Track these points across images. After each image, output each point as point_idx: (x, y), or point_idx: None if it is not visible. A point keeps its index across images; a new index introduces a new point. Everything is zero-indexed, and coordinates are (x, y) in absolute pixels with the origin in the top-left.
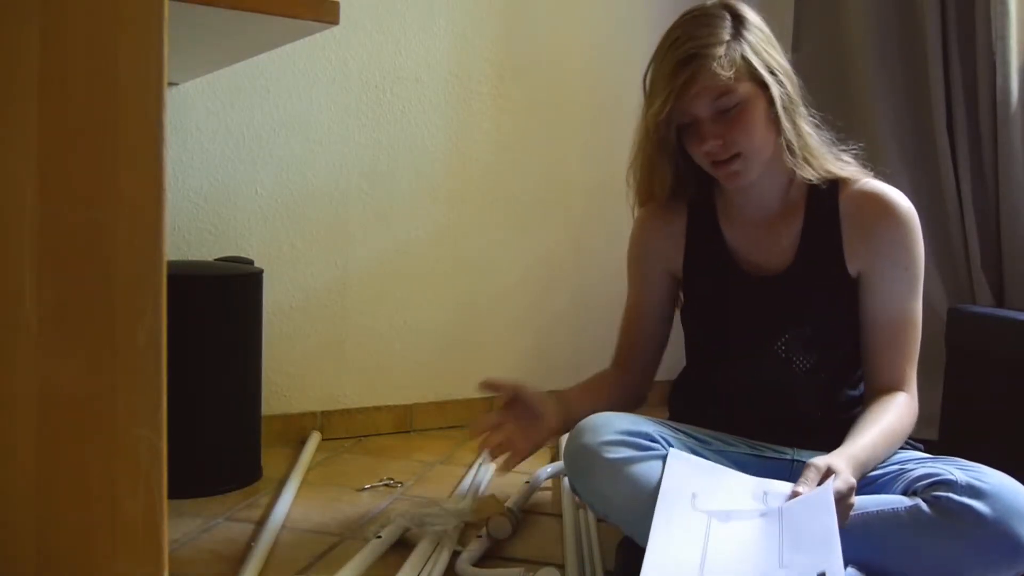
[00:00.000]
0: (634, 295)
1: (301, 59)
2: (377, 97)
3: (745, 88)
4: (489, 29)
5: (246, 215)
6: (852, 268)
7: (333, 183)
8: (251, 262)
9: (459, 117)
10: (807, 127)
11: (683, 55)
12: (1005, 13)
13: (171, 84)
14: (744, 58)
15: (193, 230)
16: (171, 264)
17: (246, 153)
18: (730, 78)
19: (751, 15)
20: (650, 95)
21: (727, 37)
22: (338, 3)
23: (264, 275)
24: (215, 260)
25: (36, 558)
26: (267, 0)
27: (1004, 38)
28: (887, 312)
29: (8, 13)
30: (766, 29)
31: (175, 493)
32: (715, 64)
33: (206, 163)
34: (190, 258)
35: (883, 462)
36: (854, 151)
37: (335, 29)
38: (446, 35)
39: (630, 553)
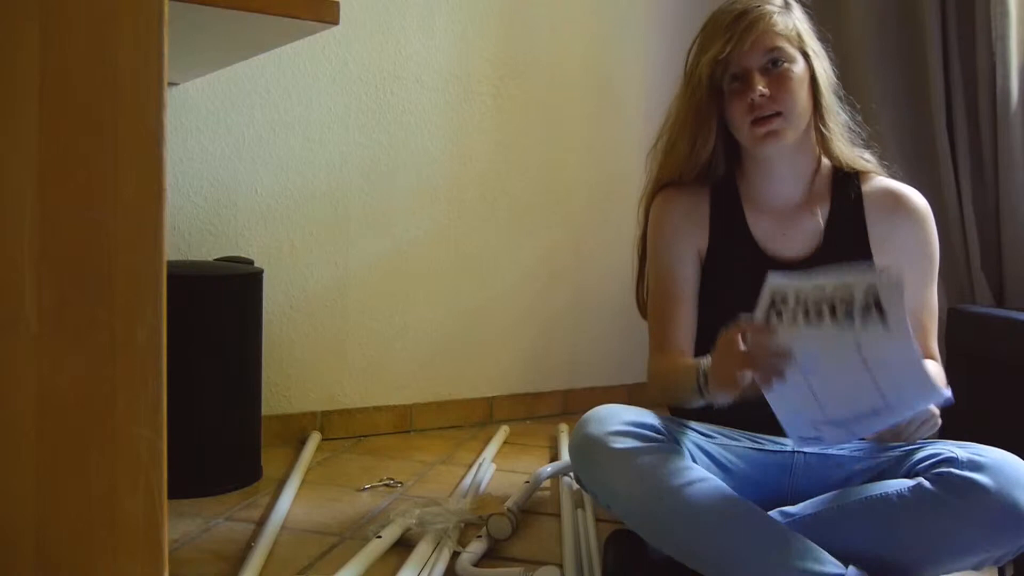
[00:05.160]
0: (666, 275)
1: (301, 59)
2: (377, 97)
3: (795, 53)
4: (489, 29)
5: (246, 215)
6: (876, 260)
7: (333, 183)
8: (251, 262)
9: (459, 117)
10: (842, 113)
11: (744, 7)
12: (1005, 13)
13: (171, 84)
14: (796, 27)
15: (193, 230)
16: (171, 264)
17: (246, 153)
18: (785, 35)
19: (796, 3)
20: (704, 44)
21: (781, 4)
22: (338, 3)
23: (264, 275)
24: (215, 260)
25: (36, 558)
26: (267, 0)
27: (1004, 38)
28: (910, 302)
29: (8, 13)
30: (808, 19)
31: (175, 493)
32: (775, 16)
33: (206, 163)
34: (190, 258)
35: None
36: (875, 151)
37: (335, 29)
38: (446, 35)
39: (621, 546)
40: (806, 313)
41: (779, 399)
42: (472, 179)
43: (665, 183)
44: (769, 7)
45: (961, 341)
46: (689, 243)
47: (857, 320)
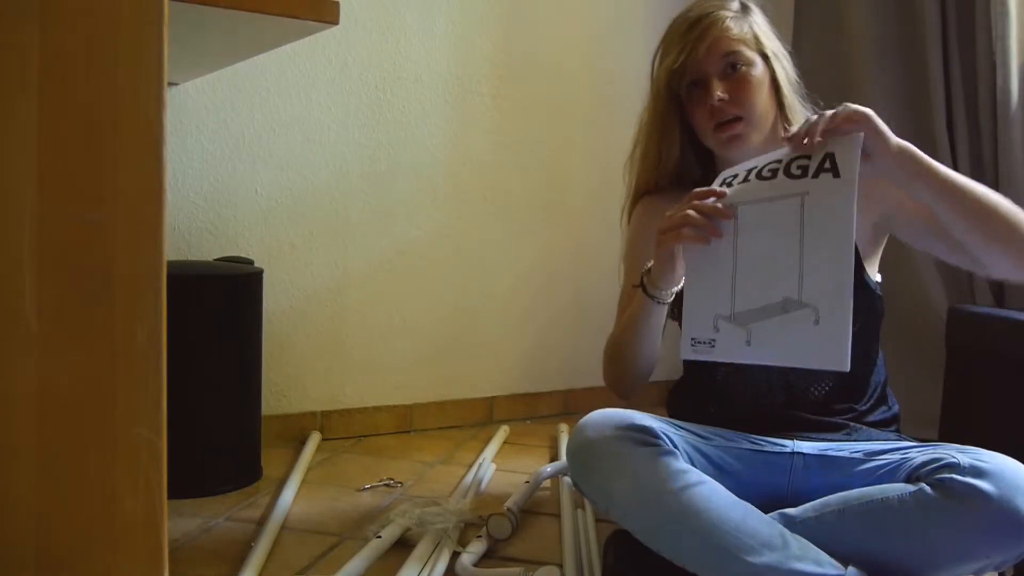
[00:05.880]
0: (636, 278)
1: (301, 59)
2: (377, 97)
3: (752, 56)
4: (489, 30)
5: (246, 215)
6: (868, 221)
7: (333, 183)
8: (251, 262)
9: (459, 117)
10: (805, 112)
11: (698, 14)
12: (1005, 13)
13: (171, 84)
14: (752, 30)
15: (193, 230)
16: (171, 264)
17: (246, 153)
18: (741, 38)
19: (755, 7)
20: (663, 54)
21: (737, 9)
22: (338, 3)
23: (264, 275)
24: (215, 260)
25: (36, 558)
26: (267, 0)
27: (1004, 38)
28: (922, 208)
29: (8, 12)
30: (768, 22)
31: (175, 493)
32: (728, 21)
33: (206, 163)
34: (190, 258)
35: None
36: None
37: (335, 29)
38: (446, 36)
39: (621, 546)
40: (759, 175)
41: (698, 274)
42: (472, 179)
43: (643, 192)
44: (723, 12)
45: (961, 341)
46: None
47: (810, 174)
